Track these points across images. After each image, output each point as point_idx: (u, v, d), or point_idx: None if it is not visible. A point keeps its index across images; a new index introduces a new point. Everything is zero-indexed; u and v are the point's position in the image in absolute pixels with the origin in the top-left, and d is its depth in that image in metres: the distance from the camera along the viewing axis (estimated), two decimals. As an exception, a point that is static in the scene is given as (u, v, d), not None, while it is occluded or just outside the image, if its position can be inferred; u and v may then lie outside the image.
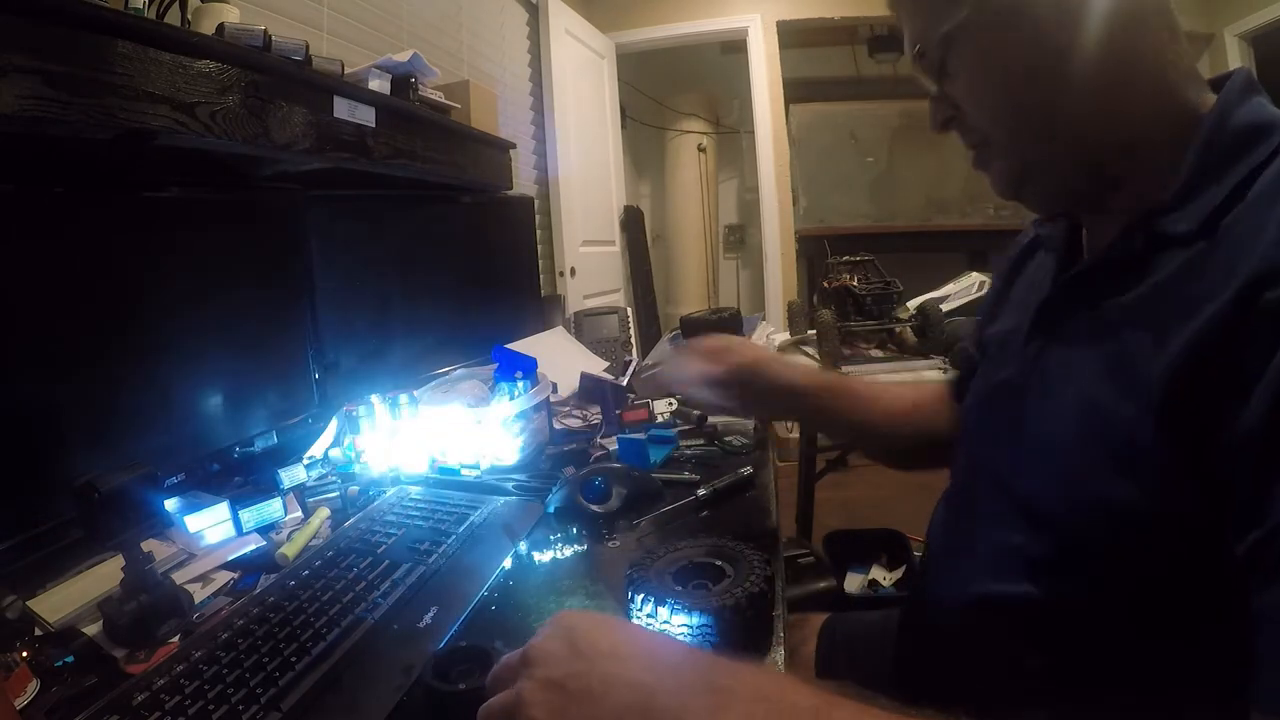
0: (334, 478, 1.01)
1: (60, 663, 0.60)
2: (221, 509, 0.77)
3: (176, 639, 0.63)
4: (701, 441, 1.10)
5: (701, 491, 0.87)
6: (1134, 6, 0.48)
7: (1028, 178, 0.54)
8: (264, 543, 0.80)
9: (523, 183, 2.66)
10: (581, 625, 0.42)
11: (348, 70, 1.16)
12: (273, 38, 0.96)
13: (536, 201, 2.62)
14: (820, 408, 0.82)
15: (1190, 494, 0.41)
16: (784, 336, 2.07)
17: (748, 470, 0.92)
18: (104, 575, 0.70)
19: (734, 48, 3.99)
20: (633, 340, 2.01)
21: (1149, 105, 0.49)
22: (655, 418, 1.21)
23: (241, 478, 0.98)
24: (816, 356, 1.72)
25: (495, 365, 1.24)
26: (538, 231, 2.64)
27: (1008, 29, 0.50)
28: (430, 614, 0.63)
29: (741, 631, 0.55)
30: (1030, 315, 0.58)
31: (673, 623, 0.57)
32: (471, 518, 0.83)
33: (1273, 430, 0.37)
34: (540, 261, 2.56)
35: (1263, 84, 0.50)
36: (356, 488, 0.97)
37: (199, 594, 0.71)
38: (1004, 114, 0.52)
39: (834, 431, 0.90)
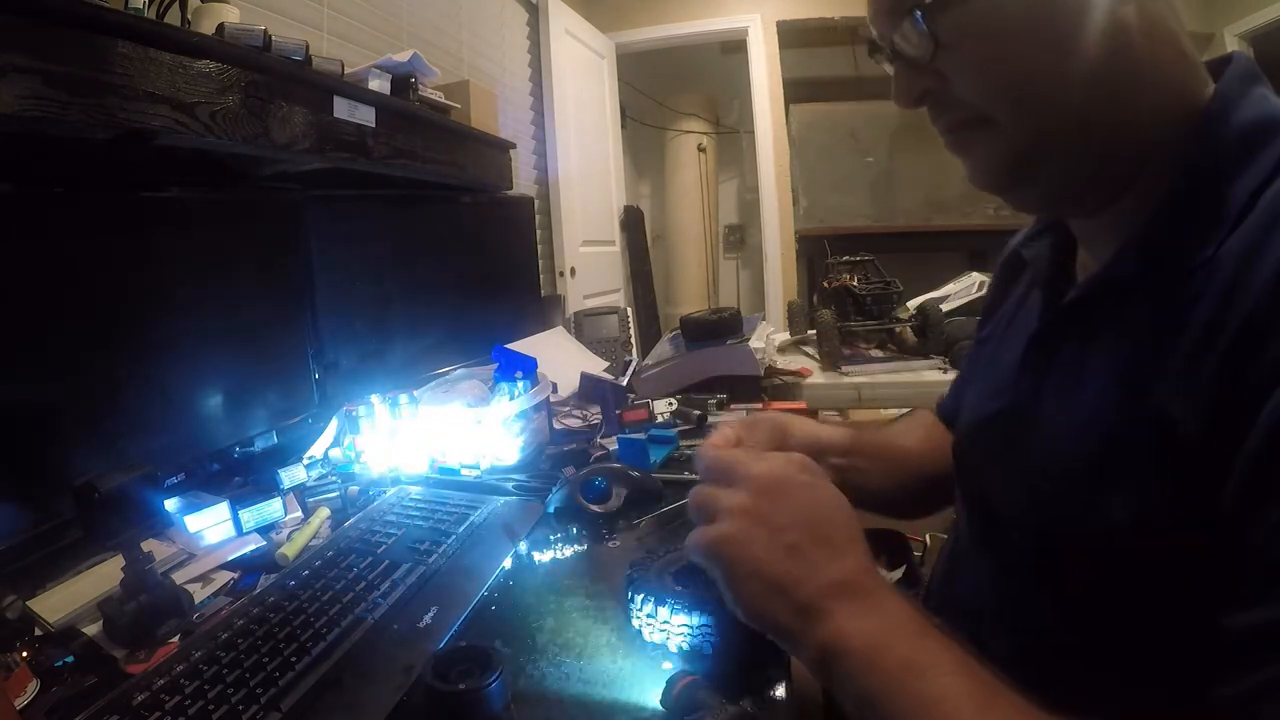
0: (334, 478, 1.01)
1: (60, 663, 0.60)
2: (221, 509, 0.77)
3: (176, 639, 0.63)
4: (702, 441, 1.10)
5: (701, 491, 0.87)
6: None
7: (1027, 160, 0.47)
8: (264, 543, 0.80)
9: (523, 183, 2.66)
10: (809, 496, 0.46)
11: (348, 70, 1.16)
12: (273, 38, 0.96)
13: (536, 201, 2.62)
14: (846, 467, 0.69)
15: (1185, 520, 0.39)
16: (784, 336, 2.07)
17: (748, 470, 0.92)
18: (104, 575, 0.70)
19: (734, 48, 3.99)
20: (633, 340, 2.02)
21: (1155, 90, 0.44)
22: (655, 418, 1.21)
23: (241, 478, 0.98)
24: (816, 356, 1.72)
25: (495, 365, 1.24)
26: (538, 231, 2.64)
27: None
28: (430, 614, 0.63)
29: (742, 632, 0.55)
30: (1021, 347, 0.55)
31: (673, 623, 0.57)
32: (471, 518, 0.83)
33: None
34: (540, 261, 2.56)
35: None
36: (356, 488, 0.97)
37: (199, 594, 0.71)
38: (1013, 79, 0.44)
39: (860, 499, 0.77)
